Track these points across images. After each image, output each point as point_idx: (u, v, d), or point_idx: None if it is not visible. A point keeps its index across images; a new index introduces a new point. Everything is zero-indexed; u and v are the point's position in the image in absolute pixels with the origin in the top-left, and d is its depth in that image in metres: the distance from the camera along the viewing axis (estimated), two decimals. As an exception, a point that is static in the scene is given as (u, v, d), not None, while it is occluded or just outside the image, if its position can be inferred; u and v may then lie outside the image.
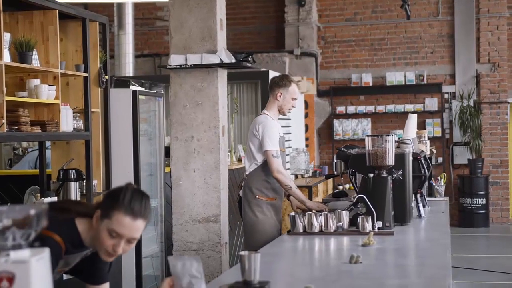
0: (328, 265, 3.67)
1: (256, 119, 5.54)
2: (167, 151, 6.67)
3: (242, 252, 2.87)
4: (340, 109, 13.51)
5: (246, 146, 5.65)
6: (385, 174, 4.63)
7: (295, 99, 5.53)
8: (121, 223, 2.70)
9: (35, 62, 5.17)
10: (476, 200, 12.77)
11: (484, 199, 12.80)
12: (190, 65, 5.84)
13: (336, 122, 13.51)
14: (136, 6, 13.24)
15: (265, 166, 5.39)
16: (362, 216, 4.44)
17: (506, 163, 13.18)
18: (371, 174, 4.62)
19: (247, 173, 5.55)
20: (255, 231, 5.44)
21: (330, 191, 10.81)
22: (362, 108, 13.43)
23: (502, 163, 13.18)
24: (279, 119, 5.60)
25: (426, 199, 6.02)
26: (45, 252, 1.86)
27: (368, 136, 4.70)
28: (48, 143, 6.33)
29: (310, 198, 9.45)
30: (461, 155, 13.16)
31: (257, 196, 5.44)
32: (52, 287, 1.92)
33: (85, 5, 13.11)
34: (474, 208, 12.79)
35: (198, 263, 2.47)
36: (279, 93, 5.48)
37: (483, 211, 12.82)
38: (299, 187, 9.64)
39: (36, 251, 1.85)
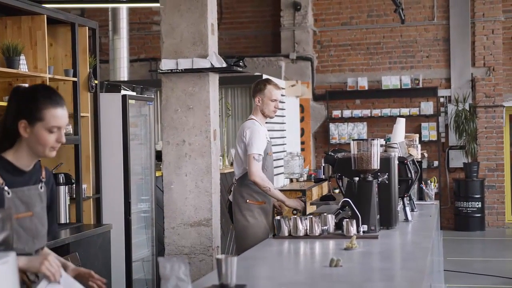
0: (309, 269, 3.69)
1: (243, 124, 5.58)
2: (160, 155, 6.69)
3: (218, 256, 2.91)
4: (336, 113, 13.53)
5: (235, 151, 5.67)
6: (370, 178, 4.63)
7: (275, 100, 5.56)
8: (56, 116, 2.86)
9: (23, 67, 5.19)
10: (471, 204, 12.77)
11: (480, 202, 12.80)
12: (181, 69, 5.85)
13: (332, 126, 13.52)
14: (133, 11, 13.28)
15: (254, 171, 5.41)
16: (347, 219, 4.45)
17: (501, 167, 13.18)
18: (356, 178, 4.63)
19: (236, 178, 5.58)
20: (246, 235, 5.47)
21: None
22: (358, 112, 13.44)
23: (497, 167, 13.18)
24: (266, 122, 5.63)
25: (416, 203, 6.03)
26: (10, 257, 1.87)
27: (353, 140, 4.70)
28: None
29: (304, 202, 9.47)
30: (457, 159, 13.16)
31: (248, 201, 5.48)
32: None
33: (82, 10, 13.17)
34: (469, 212, 12.78)
35: (185, 266, 2.49)
36: (257, 98, 5.55)
37: (478, 215, 12.82)
38: (294, 191, 9.76)
39: (0, 256, 1.87)
